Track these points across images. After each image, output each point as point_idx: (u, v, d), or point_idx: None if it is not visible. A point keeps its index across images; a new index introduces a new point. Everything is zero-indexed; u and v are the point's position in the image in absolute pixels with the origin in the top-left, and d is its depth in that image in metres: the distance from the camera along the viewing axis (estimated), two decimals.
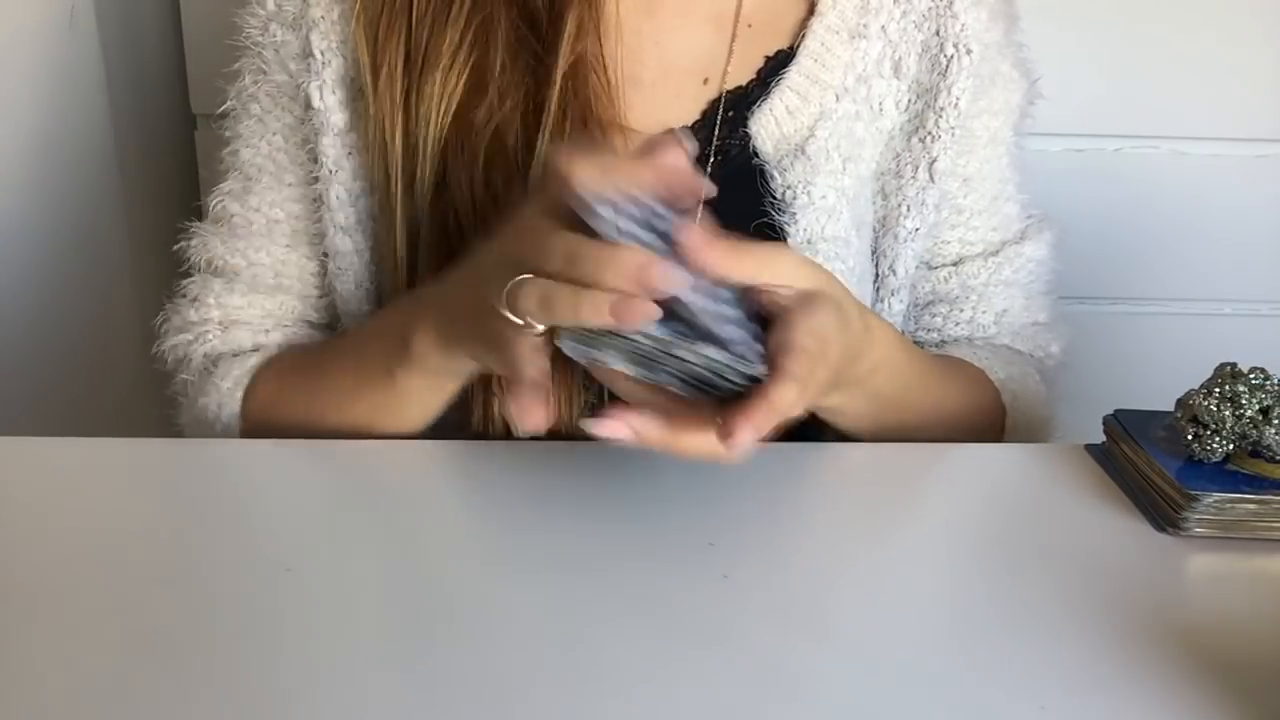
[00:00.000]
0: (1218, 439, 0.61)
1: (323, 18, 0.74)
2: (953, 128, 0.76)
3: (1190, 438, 0.62)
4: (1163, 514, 0.61)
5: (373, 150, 0.73)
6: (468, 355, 0.63)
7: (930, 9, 0.76)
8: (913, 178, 0.77)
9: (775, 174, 0.74)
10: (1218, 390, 0.61)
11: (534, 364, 0.55)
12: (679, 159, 0.54)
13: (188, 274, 0.81)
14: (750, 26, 0.77)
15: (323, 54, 0.74)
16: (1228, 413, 0.61)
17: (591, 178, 0.52)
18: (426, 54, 0.70)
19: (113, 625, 0.50)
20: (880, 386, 0.66)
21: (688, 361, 0.53)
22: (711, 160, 0.74)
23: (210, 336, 0.78)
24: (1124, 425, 0.66)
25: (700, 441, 0.53)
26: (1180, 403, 0.63)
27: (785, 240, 0.74)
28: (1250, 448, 0.61)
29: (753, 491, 0.62)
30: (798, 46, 0.76)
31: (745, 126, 0.75)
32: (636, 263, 0.50)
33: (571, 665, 0.49)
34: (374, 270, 0.77)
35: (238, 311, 0.78)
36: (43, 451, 0.66)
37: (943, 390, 0.74)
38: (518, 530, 0.59)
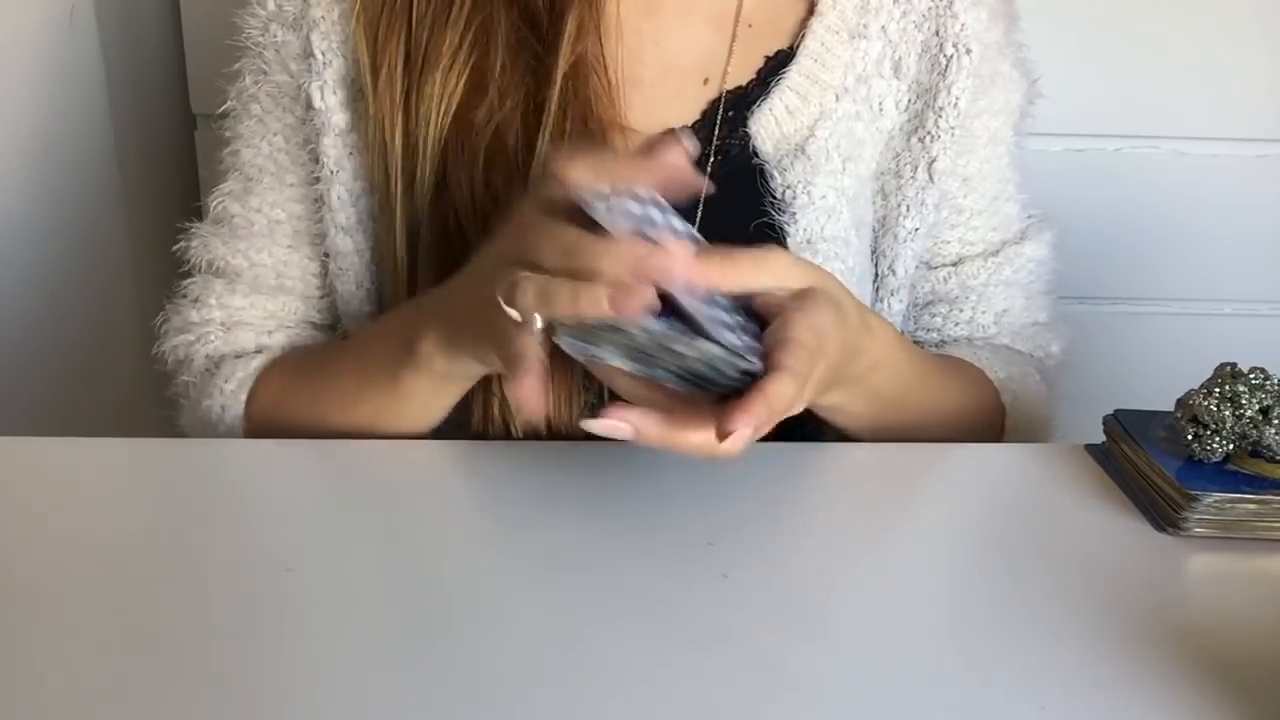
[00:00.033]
0: (1218, 439, 0.61)
1: (323, 18, 0.74)
2: (952, 128, 0.76)
3: (1190, 438, 0.62)
4: (1163, 514, 0.61)
5: (373, 150, 0.73)
6: (471, 356, 0.63)
7: (930, 9, 0.76)
8: (912, 178, 0.78)
9: (775, 174, 0.74)
10: (1218, 390, 0.61)
11: (534, 358, 0.55)
12: (678, 157, 0.55)
13: (188, 274, 0.80)
14: (750, 26, 0.77)
15: (323, 54, 0.74)
16: (1228, 413, 0.61)
17: (589, 176, 0.52)
18: (427, 54, 0.70)
19: (113, 625, 0.50)
20: (879, 385, 0.66)
21: (686, 357, 0.53)
22: (711, 160, 0.74)
23: (212, 337, 0.77)
24: (1124, 425, 0.66)
25: (699, 438, 0.53)
26: (1180, 403, 0.63)
27: (785, 240, 0.74)
28: (1250, 448, 0.61)
29: (753, 491, 0.62)
30: (798, 46, 0.76)
31: (745, 126, 0.75)
32: (634, 254, 0.50)
33: (571, 665, 0.49)
34: (374, 270, 0.78)
35: (240, 312, 0.78)
36: (43, 451, 0.66)
37: (942, 390, 0.74)
38: (517, 530, 0.59)
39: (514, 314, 0.54)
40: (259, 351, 0.78)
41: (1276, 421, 0.60)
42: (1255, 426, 0.60)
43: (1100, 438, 0.68)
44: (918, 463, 0.68)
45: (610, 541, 0.58)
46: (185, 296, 0.80)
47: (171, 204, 1.19)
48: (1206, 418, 0.61)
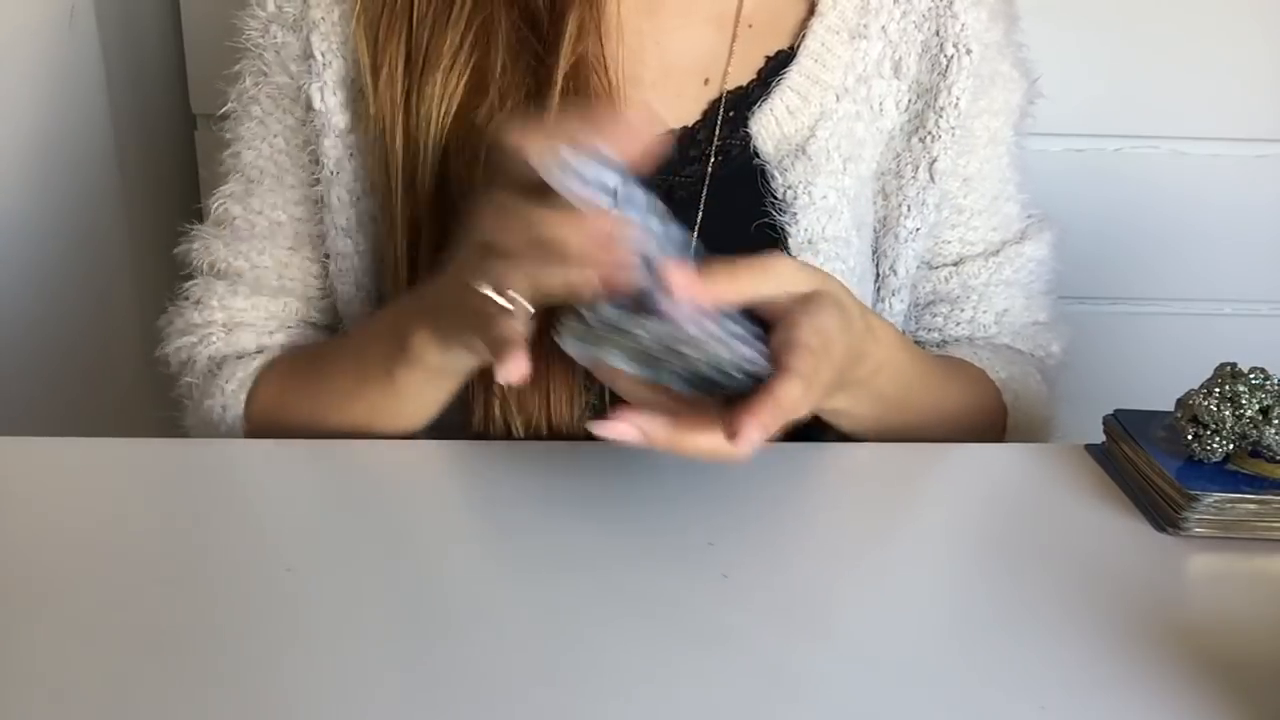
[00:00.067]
0: (1218, 439, 0.61)
1: (323, 19, 0.74)
2: (953, 128, 0.76)
3: (1190, 438, 0.62)
4: (1163, 514, 0.61)
5: (373, 151, 0.73)
6: (461, 346, 0.63)
7: (930, 9, 0.76)
8: (913, 178, 0.78)
9: (776, 174, 0.74)
10: (1218, 390, 0.61)
11: (518, 340, 0.55)
12: (639, 123, 0.54)
13: (188, 275, 0.80)
14: (751, 27, 0.77)
15: (323, 55, 0.74)
16: (1228, 413, 0.61)
17: (540, 142, 0.52)
18: (427, 55, 0.70)
19: (113, 625, 0.50)
20: (883, 387, 0.66)
21: (692, 360, 0.53)
22: (712, 160, 0.74)
23: (214, 339, 0.78)
24: (1124, 425, 0.66)
25: (706, 441, 0.53)
26: (1180, 403, 0.63)
27: (787, 240, 0.74)
28: (1250, 448, 0.61)
29: (753, 491, 0.62)
30: (798, 47, 0.76)
31: (746, 127, 0.75)
32: (596, 224, 0.50)
33: (572, 665, 0.49)
34: (375, 271, 0.78)
35: (241, 314, 0.78)
36: (43, 451, 0.66)
37: (943, 390, 0.74)
38: (518, 530, 0.59)
39: (498, 300, 0.54)
40: (260, 352, 0.78)
41: (1276, 421, 0.60)
42: (1255, 426, 0.60)
43: (1100, 438, 0.68)
44: (918, 463, 0.68)
45: (610, 541, 0.58)
46: (187, 298, 0.80)
47: (171, 204, 1.19)
48: (1206, 418, 0.61)
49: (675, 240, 0.58)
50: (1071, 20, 1.13)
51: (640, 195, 0.54)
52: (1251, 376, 0.61)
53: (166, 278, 0.83)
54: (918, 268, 0.81)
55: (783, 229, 0.74)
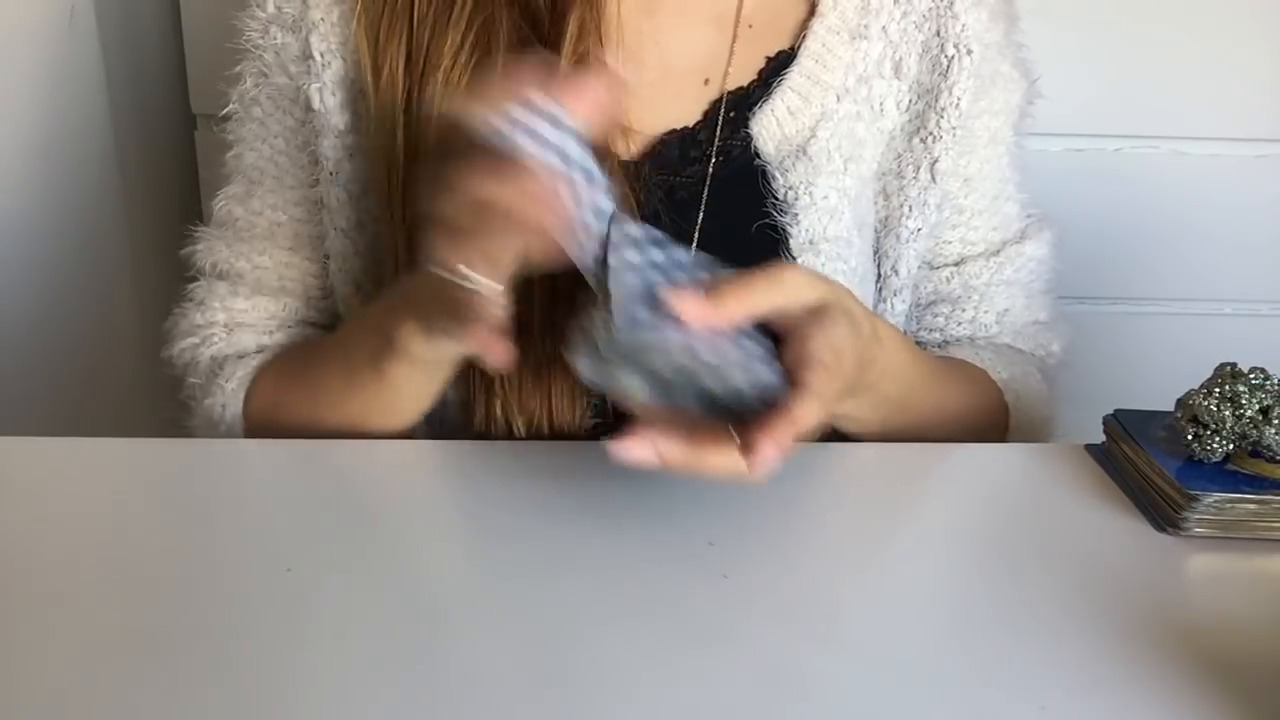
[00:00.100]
0: (1218, 439, 0.61)
1: (322, 19, 0.74)
2: (954, 128, 0.76)
3: (1190, 438, 0.62)
4: (1163, 514, 0.61)
5: (374, 152, 0.73)
6: (444, 335, 0.62)
7: (931, 9, 0.76)
8: (914, 178, 0.78)
9: (777, 175, 0.74)
10: (1218, 390, 0.61)
11: (486, 314, 0.55)
12: (595, 80, 0.53)
13: (189, 274, 0.81)
14: (751, 27, 0.77)
15: (322, 55, 0.74)
16: (1228, 413, 0.61)
17: (486, 103, 0.51)
18: (428, 55, 0.70)
19: (113, 625, 0.50)
20: (887, 390, 0.66)
21: (706, 382, 0.53)
22: (713, 161, 0.74)
23: (216, 339, 0.78)
24: (1124, 425, 0.66)
25: (723, 460, 0.53)
26: (1180, 403, 0.63)
27: (788, 241, 0.74)
28: (1250, 448, 0.61)
29: (753, 492, 0.62)
30: (798, 47, 0.76)
31: (747, 127, 0.75)
32: (535, 180, 0.50)
33: (572, 665, 0.49)
34: (374, 272, 0.78)
35: (242, 314, 0.79)
36: (43, 451, 0.66)
37: (945, 391, 0.74)
38: (518, 530, 0.59)
39: (458, 280, 0.54)
40: (260, 351, 0.78)
41: (1276, 421, 0.60)
42: (1255, 426, 0.60)
43: (1100, 438, 0.68)
44: (918, 463, 0.68)
45: (611, 541, 0.58)
46: (191, 300, 0.80)
47: (172, 204, 1.19)
48: (1206, 418, 0.61)
49: (681, 264, 0.58)
50: (1071, 20, 1.13)
51: (575, 146, 0.53)
52: (1251, 376, 0.61)
53: (167, 278, 0.83)
54: (919, 268, 0.81)
55: (784, 230, 0.74)
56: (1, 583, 0.53)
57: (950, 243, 0.81)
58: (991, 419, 0.77)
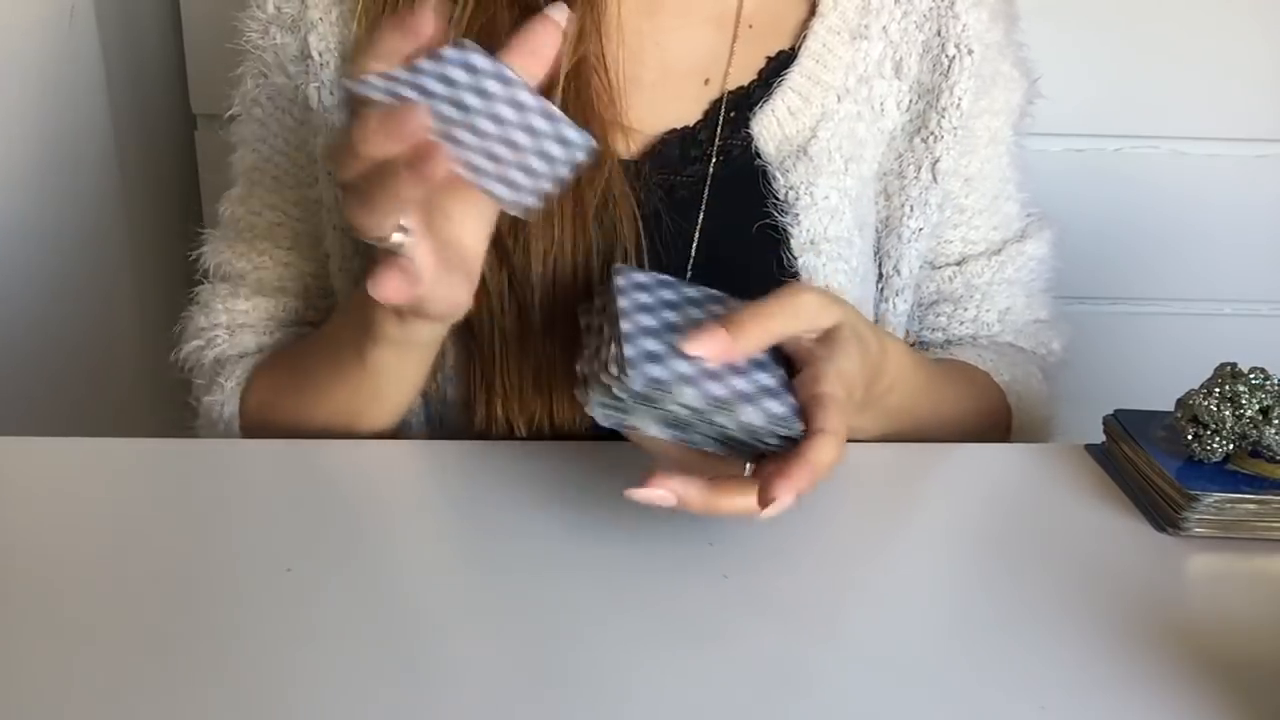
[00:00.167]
0: (1218, 439, 0.61)
1: (321, 19, 0.74)
2: (955, 128, 0.76)
3: (1190, 438, 0.62)
4: (1163, 514, 0.61)
5: None
6: (412, 314, 0.62)
7: (931, 9, 0.76)
8: (915, 178, 0.78)
9: (777, 175, 0.74)
10: (1218, 390, 0.61)
11: (398, 258, 0.55)
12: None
13: (189, 275, 0.81)
14: (751, 27, 0.77)
15: (320, 55, 0.74)
16: (1228, 413, 0.61)
17: (358, 68, 0.52)
18: None
19: (113, 625, 0.50)
20: (892, 401, 0.67)
21: (725, 427, 0.53)
22: (714, 161, 0.74)
23: (219, 341, 0.78)
24: (1124, 425, 0.66)
25: (740, 502, 0.53)
26: (1180, 403, 0.63)
27: (789, 241, 0.74)
28: (1250, 448, 0.61)
29: None
30: (799, 47, 0.76)
31: (747, 127, 0.75)
32: (396, 118, 0.50)
33: (571, 665, 0.49)
34: None
35: (243, 315, 0.79)
36: (43, 451, 0.66)
37: (945, 396, 0.74)
38: (518, 530, 0.59)
39: (377, 238, 0.54)
40: (260, 351, 0.78)
41: (1276, 421, 0.60)
42: (1255, 426, 0.60)
43: (1100, 438, 0.68)
44: (918, 463, 0.68)
45: (611, 542, 0.58)
46: (196, 303, 0.81)
47: (172, 205, 1.19)
48: (1206, 418, 0.61)
49: (694, 300, 0.58)
50: (1071, 20, 1.13)
51: (526, 95, 0.53)
52: (1251, 376, 0.61)
53: (167, 278, 0.83)
54: (921, 268, 0.81)
55: (784, 230, 0.74)
56: (1, 583, 0.53)
57: (951, 242, 0.81)
58: (994, 421, 0.78)
